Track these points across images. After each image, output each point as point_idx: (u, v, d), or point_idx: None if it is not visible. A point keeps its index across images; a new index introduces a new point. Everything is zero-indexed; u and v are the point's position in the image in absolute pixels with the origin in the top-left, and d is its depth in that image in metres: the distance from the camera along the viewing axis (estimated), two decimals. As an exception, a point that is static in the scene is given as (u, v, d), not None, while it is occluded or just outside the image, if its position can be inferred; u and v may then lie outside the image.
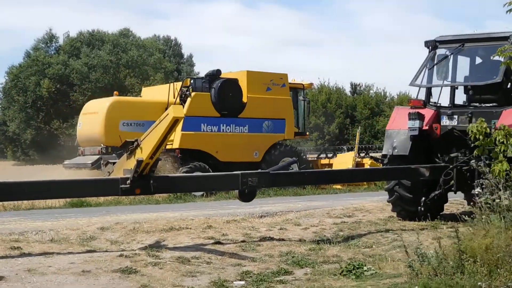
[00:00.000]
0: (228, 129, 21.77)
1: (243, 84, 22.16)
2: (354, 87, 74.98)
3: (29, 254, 8.80)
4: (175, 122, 9.28)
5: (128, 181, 9.42)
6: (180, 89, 21.76)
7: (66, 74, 64.06)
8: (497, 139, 8.29)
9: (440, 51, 13.23)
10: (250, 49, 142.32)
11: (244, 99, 22.19)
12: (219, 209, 14.33)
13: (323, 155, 26.48)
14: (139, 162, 9.40)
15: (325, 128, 60.97)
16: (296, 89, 24.57)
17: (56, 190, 9.99)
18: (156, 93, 23.18)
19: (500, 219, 7.64)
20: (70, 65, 64.53)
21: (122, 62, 64.68)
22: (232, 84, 21.89)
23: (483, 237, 7.22)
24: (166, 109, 19.97)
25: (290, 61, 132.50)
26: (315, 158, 25.80)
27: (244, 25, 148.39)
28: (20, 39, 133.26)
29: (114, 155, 19.88)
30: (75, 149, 58.55)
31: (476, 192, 8.15)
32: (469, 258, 6.98)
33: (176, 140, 20.54)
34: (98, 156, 20.73)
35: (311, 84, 26.39)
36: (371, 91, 73.69)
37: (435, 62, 13.12)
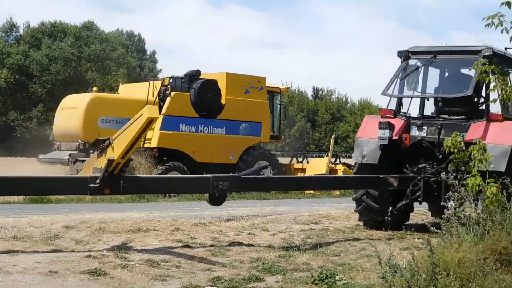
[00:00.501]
0: (206, 130, 21.87)
1: (222, 85, 22.29)
2: (316, 91, 75.61)
3: (-7, 252, 8.67)
4: (149, 122, 9.25)
5: (98, 180, 9.32)
6: (160, 87, 21.73)
7: (26, 65, 63.52)
8: (472, 153, 8.41)
9: (412, 61, 13.33)
10: (213, 47, 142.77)
11: (223, 101, 22.31)
12: (184, 210, 14.32)
13: (298, 159, 26.54)
14: (110, 161, 9.33)
15: (286, 131, 61.33)
16: (272, 93, 24.87)
17: (22, 186, 9.88)
18: (134, 90, 23.12)
19: (468, 232, 7.72)
20: (30, 56, 64.01)
21: (84, 56, 64.32)
22: (211, 85, 21.94)
23: (455, 250, 7.29)
24: None
25: (253, 62, 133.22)
26: (289, 162, 25.86)
27: (208, 23, 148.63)
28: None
29: (91, 152, 19.83)
30: (33, 142, 57.87)
31: (449, 205, 8.22)
32: (442, 271, 7.04)
33: (154, 139, 20.63)
34: (75, 152, 20.52)
35: (288, 88, 26.65)
36: (333, 96, 74.52)
37: (407, 72, 13.23)
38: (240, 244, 10.50)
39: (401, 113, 13.20)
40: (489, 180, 8.17)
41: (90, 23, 69.76)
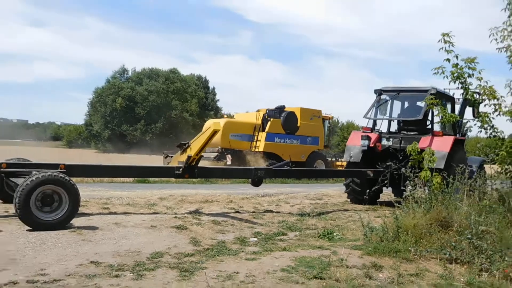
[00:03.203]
0: (289, 141, 22.76)
1: (298, 115, 23.24)
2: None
3: (115, 213, 8.78)
4: (214, 133, 9.28)
5: (181, 169, 9.39)
6: (263, 115, 22.68)
7: (133, 95, 64.11)
8: (425, 156, 8.37)
9: (383, 96, 13.25)
10: (251, 88, 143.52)
11: (298, 124, 23.17)
12: (235, 189, 14.31)
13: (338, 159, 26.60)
14: (189, 157, 9.40)
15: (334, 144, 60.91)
16: (324, 119, 25.18)
17: (134, 172, 10.06)
18: (246, 117, 23.96)
19: (419, 207, 7.68)
20: (136, 90, 64.58)
21: (170, 90, 64.72)
22: (292, 115, 22.90)
23: (412, 218, 7.25)
24: (254, 128, 21.87)
25: (275, 97, 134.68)
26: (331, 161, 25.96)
27: (247, 71, 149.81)
28: (100, 70, 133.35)
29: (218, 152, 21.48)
30: (139, 145, 57.66)
31: (407, 189, 8.17)
32: (403, 231, 7.02)
33: (261, 146, 21.83)
34: (217, 154, 21.75)
35: (332, 116, 27.30)
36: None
37: (380, 103, 13.14)
38: (271, 211, 10.51)
39: (375, 130, 13.14)
40: (435, 174, 8.13)
41: (175, 68, 70.25)
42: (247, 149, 21.76)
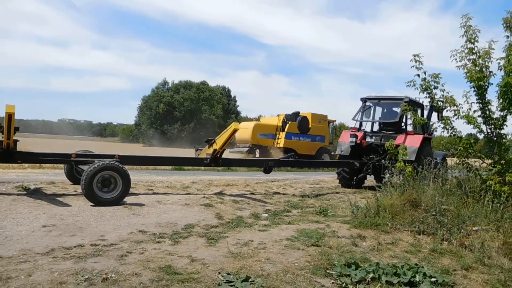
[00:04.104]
0: (302, 139, 22.65)
1: (309, 118, 23.11)
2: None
3: (157, 193, 8.81)
4: (234, 131, 9.29)
5: (208, 160, 9.42)
6: (283, 119, 22.63)
7: (172, 102, 64.31)
8: (399, 151, 8.33)
9: (368, 103, 13.18)
10: (264, 97, 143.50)
11: (310, 126, 23.03)
12: (251, 176, 14.29)
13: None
14: (214, 150, 9.42)
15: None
16: (329, 121, 25.03)
17: (173, 162, 10.06)
18: (268, 120, 23.92)
19: (395, 190, 7.66)
20: (174, 97, 64.78)
21: (201, 97, 64.87)
22: (305, 119, 22.84)
23: (389, 199, 7.25)
24: (276, 129, 21.74)
25: (282, 104, 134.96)
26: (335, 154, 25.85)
27: (261, 83, 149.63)
28: (147, 82, 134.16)
29: (249, 148, 21.59)
30: (176, 140, 57.51)
31: (386, 176, 8.15)
32: (382, 209, 7.02)
33: (281, 142, 21.81)
34: (247, 148, 21.77)
35: (335, 120, 27.24)
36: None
37: (365, 108, 13.08)
38: (278, 193, 10.45)
39: (361, 129, 13.06)
40: (408, 164, 8.10)
41: (204, 81, 70.30)
42: (271, 145, 21.83)
